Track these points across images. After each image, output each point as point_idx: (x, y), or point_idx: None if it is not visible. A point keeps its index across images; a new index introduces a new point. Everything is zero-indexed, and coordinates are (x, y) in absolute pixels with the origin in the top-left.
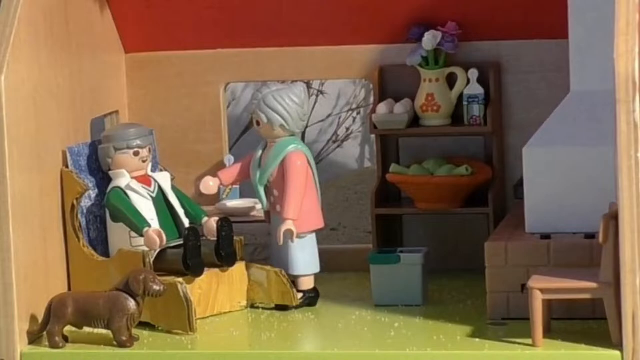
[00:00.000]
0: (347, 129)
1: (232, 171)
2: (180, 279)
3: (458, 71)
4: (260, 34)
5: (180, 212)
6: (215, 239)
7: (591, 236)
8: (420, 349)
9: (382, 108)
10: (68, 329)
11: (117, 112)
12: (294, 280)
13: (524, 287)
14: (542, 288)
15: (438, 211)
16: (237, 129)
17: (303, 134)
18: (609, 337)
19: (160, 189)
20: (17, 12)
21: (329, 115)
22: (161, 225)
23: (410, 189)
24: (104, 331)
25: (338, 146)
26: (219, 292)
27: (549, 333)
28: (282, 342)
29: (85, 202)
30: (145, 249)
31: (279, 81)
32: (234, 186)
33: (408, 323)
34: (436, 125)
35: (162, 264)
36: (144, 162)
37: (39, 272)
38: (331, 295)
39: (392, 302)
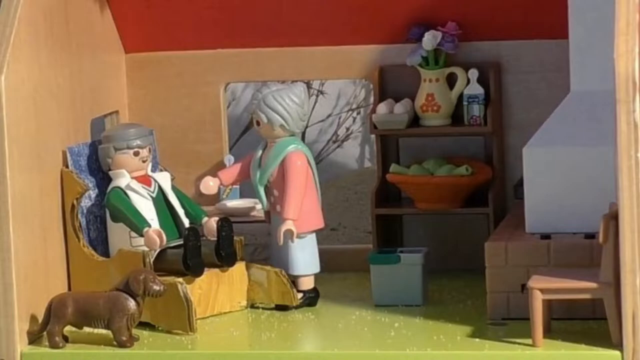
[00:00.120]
0: (347, 129)
1: (232, 171)
2: (180, 279)
3: (458, 71)
4: (260, 34)
5: (180, 212)
6: (215, 239)
7: (591, 236)
8: (420, 349)
9: (382, 108)
10: (68, 329)
11: (117, 112)
12: (294, 280)
13: (524, 287)
14: (542, 288)
15: (438, 211)
16: (237, 129)
17: (303, 134)
18: (609, 337)
19: (160, 189)
20: (17, 12)
21: (329, 115)
22: (161, 225)
23: (410, 189)
24: (104, 331)
25: (338, 146)
26: (219, 292)
27: (549, 333)
28: (282, 342)
29: (85, 202)
30: (145, 249)
31: (279, 81)
32: (234, 186)
33: (408, 323)
34: (436, 125)
35: (162, 264)
36: (144, 162)
37: (39, 272)
38: (331, 295)
39: (392, 302)
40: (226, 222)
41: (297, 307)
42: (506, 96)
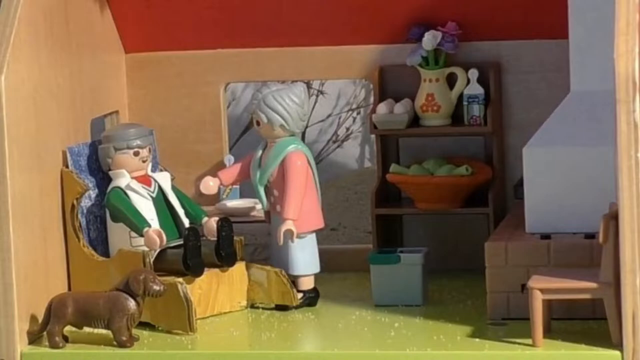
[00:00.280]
0: (347, 129)
1: (232, 171)
2: (180, 279)
3: (458, 71)
4: (260, 34)
5: (180, 212)
6: (215, 239)
7: (591, 236)
8: (420, 349)
9: (382, 108)
10: (68, 329)
11: (117, 112)
12: (294, 280)
13: (524, 287)
14: (542, 288)
15: (438, 211)
16: (237, 129)
17: (303, 134)
18: (609, 337)
19: (160, 189)
20: (17, 12)
21: (329, 115)
22: (161, 225)
23: (410, 189)
24: (104, 331)
25: (338, 146)
26: (219, 292)
27: (549, 333)
28: (282, 342)
29: (85, 202)
30: (145, 249)
31: (279, 81)
32: (234, 186)
33: (408, 323)
34: (436, 125)
35: (162, 264)
36: (144, 162)
37: (39, 272)
38: (331, 295)
39: (392, 302)
40: (226, 222)
41: (297, 307)
42: (506, 96)
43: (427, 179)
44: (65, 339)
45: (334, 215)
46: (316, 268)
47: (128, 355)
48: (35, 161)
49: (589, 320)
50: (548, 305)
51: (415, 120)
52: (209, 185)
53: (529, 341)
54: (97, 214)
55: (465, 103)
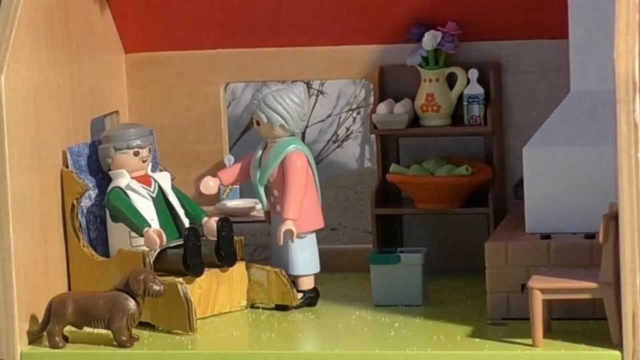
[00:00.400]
0: (347, 129)
1: (232, 171)
2: (180, 279)
3: (458, 71)
4: (260, 34)
5: (180, 212)
6: (215, 239)
7: (591, 236)
8: (420, 349)
9: (382, 108)
10: (68, 329)
11: (117, 112)
12: (294, 280)
13: (524, 287)
14: (542, 288)
15: (438, 211)
16: (237, 129)
17: (303, 134)
18: (609, 337)
19: (160, 189)
20: (17, 12)
21: (329, 115)
22: (161, 225)
23: (410, 189)
24: (104, 331)
25: (338, 146)
26: (219, 292)
27: (549, 333)
28: (282, 342)
29: (85, 202)
30: (145, 249)
31: (279, 81)
32: (234, 186)
33: (408, 323)
34: (436, 125)
35: (162, 264)
36: (144, 162)
37: (39, 272)
38: (331, 295)
39: (392, 302)
40: (226, 222)
41: (297, 307)
42: (506, 96)
43: (427, 179)
44: (65, 339)
45: (334, 215)
46: (316, 268)
47: (128, 355)
48: (35, 161)
49: (589, 320)
50: (548, 305)
51: (415, 120)
52: (209, 185)
53: (529, 341)
54: (97, 214)
55: (465, 103)
